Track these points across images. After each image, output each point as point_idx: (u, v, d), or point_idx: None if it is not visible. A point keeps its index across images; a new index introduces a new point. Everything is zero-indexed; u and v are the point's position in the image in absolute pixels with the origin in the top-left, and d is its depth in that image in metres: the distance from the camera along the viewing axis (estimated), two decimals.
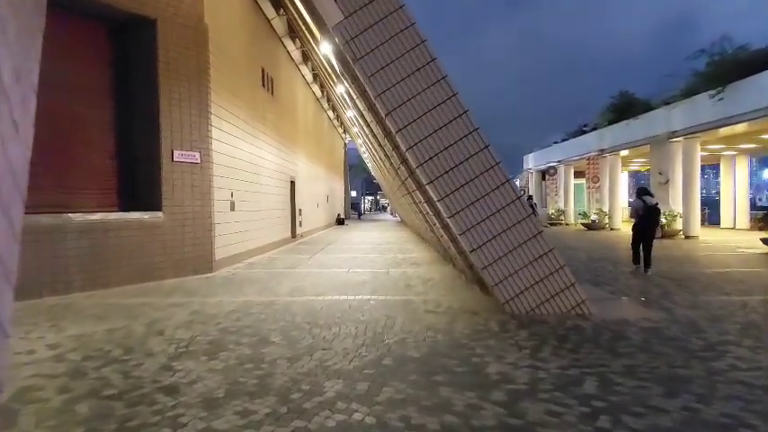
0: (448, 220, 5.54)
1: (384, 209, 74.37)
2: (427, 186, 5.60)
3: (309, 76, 19.30)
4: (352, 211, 46.17)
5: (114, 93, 7.72)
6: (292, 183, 15.86)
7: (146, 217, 7.62)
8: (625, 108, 22.60)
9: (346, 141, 38.51)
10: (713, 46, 15.47)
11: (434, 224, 8.21)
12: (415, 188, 7.89)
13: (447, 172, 5.47)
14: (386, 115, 5.55)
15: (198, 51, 8.31)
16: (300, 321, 5.00)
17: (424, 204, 8.62)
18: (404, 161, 9.45)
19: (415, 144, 5.51)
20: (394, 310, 5.49)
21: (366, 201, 72.93)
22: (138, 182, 7.86)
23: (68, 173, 7.06)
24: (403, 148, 5.76)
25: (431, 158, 5.47)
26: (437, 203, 5.62)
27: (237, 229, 9.98)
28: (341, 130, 33.14)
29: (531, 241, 5.40)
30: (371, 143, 15.22)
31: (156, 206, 7.80)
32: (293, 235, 15.79)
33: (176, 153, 8.00)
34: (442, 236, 8.23)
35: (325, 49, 11.63)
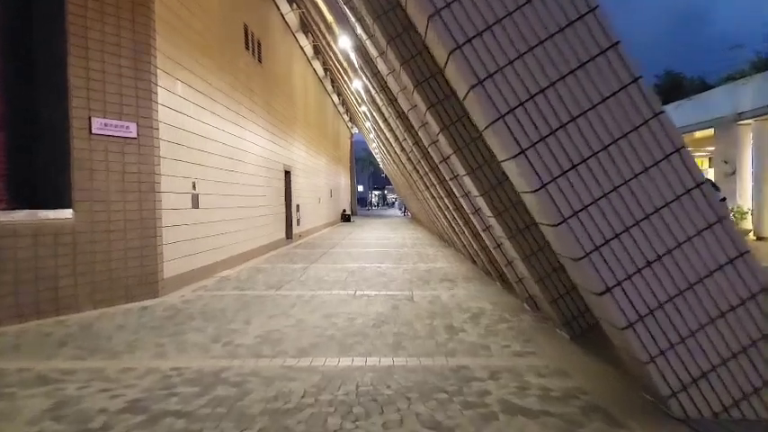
0: (549, 230, 2.80)
1: (391, 204, 71.72)
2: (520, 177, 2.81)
3: (310, 50, 16.55)
4: (362, 208, 43.42)
5: None
6: (287, 173, 13.18)
7: (47, 218, 4.96)
8: (671, 89, 19.70)
9: (353, 132, 35.75)
10: None
11: (477, 229, 5.48)
12: (445, 181, 5.04)
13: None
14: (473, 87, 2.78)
15: None
16: None
17: (459, 199, 5.86)
18: (424, 156, 7.47)
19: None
20: (445, 409, 2.78)
21: (373, 195, 70.35)
22: (34, 165, 5.20)
23: None
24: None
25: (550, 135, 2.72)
26: (528, 197, 2.85)
27: (204, 232, 7.30)
28: (347, 118, 30.35)
29: (725, 270, 2.67)
30: (386, 139, 13.38)
31: (62, 201, 5.14)
32: (288, 236, 13.12)
33: (96, 122, 5.33)
34: (482, 244, 5.45)
35: (344, 42, 9.39)
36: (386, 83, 7.58)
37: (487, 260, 6.81)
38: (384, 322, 4.66)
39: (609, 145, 2.68)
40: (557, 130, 2.68)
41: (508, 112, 2.68)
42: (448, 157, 5.55)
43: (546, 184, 2.68)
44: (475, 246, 7.21)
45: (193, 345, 3.98)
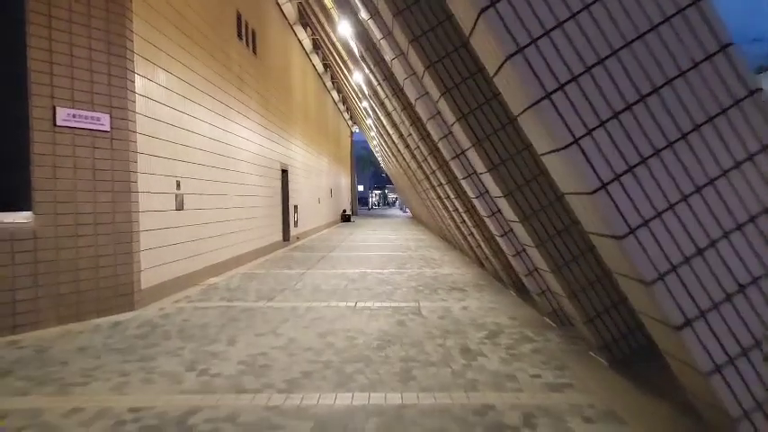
0: (608, 242, 2.15)
1: (392, 204, 71.07)
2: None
3: (309, 44, 15.91)
4: (362, 207, 42.75)
5: None
6: (285, 172, 12.54)
7: (1, 222, 4.33)
8: None
9: (354, 130, 35.12)
10: None
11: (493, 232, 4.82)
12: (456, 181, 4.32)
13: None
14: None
15: None
16: None
17: (474, 200, 5.19)
18: (432, 152, 6.97)
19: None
20: None
21: (374, 195, 69.76)
22: None
23: None
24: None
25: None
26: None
27: (190, 236, 6.67)
28: (347, 116, 29.70)
29: None
30: (388, 135, 12.91)
31: (21, 203, 4.50)
32: (286, 238, 12.48)
33: (62, 113, 4.69)
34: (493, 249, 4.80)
35: (344, 29, 8.86)
36: (391, 72, 6.92)
37: (501, 266, 6.17)
38: (389, 342, 4.02)
39: (688, 133, 2.04)
40: (620, 112, 2.04)
41: (557, 89, 2.04)
42: (463, 152, 4.99)
43: (606, 183, 2.04)
44: (486, 250, 6.56)
45: (163, 374, 3.34)
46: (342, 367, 3.46)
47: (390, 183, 68.18)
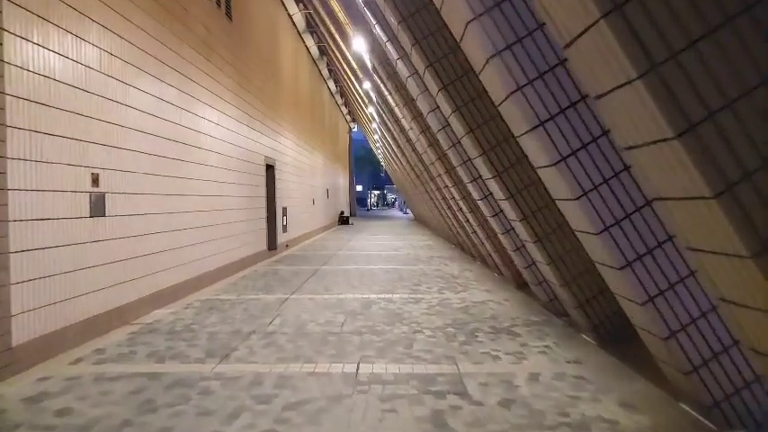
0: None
1: (391, 204, 69.09)
2: None
3: (302, 21, 13.87)
4: (361, 208, 40.49)
5: None
6: (270, 168, 10.50)
7: None
8: None
9: (352, 127, 33.06)
10: None
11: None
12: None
13: None
14: None
15: None
16: None
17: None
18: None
19: None
20: None
21: (373, 195, 67.82)
22: None
23: None
24: None
25: None
26: None
27: (115, 253, 4.63)
28: (345, 110, 27.62)
29: None
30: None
31: None
32: (272, 246, 10.43)
33: None
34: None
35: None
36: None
37: (575, 297, 4.11)
38: None
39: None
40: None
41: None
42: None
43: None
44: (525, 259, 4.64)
45: None
46: None
47: (389, 183, 66.28)
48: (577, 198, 2.72)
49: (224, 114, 7.62)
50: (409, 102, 7.70)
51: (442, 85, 4.72)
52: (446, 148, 6.07)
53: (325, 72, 19.29)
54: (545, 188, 3.62)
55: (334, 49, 16.85)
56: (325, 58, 18.40)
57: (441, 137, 6.12)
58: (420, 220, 24.93)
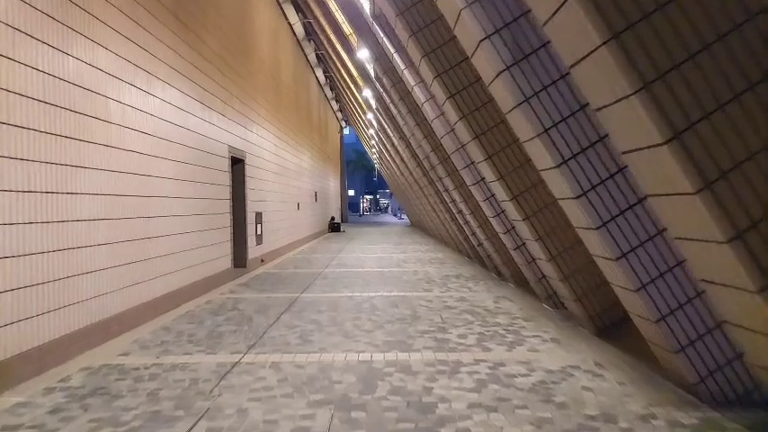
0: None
1: (384, 209, 66.74)
2: None
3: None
4: (353, 213, 37.78)
5: None
6: (238, 163, 8.16)
7: None
8: None
9: (343, 125, 30.72)
10: None
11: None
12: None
13: None
14: None
15: None
16: None
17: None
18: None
19: None
20: None
21: (365, 200, 65.42)
22: None
23: None
24: None
25: None
26: None
27: None
28: (335, 106, 25.25)
29: None
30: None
31: None
32: (239, 263, 8.12)
33: None
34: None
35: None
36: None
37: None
38: None
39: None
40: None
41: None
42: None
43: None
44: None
45: None
46: None
47: (382, 188, 63.99)
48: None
49: (159, 80, 5.36)
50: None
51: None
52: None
53: (313, 58, 16.97)
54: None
55: (331, 53, 14.80)
56: (312, 43, 16.13)
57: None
58: (419, 226, 22.68)
